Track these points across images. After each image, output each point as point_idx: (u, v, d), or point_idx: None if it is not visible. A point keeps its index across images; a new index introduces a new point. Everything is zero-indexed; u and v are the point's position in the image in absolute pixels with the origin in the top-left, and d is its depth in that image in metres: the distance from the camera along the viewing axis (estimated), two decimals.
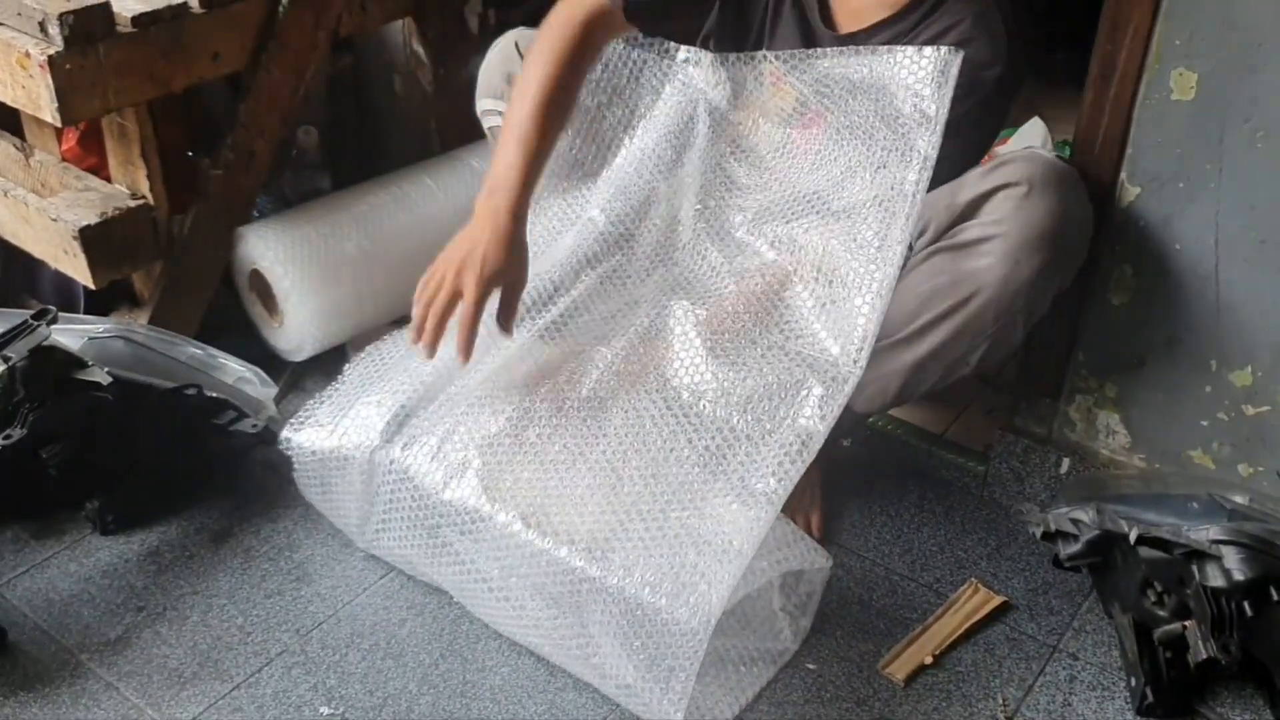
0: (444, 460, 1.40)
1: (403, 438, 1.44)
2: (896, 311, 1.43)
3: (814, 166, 1.53)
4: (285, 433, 1.53)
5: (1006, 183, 1.38)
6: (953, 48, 1.39)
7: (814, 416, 1.36)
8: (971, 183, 1.41)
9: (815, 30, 1.50)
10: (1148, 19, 1.31)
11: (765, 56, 1.53)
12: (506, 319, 1.42)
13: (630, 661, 1.27)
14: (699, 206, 1.60)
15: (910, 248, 1.42)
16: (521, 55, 1.65)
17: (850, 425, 1.63)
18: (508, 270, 1.40)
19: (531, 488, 1.37)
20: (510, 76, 1.64)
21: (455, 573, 1.42)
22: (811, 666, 1.42)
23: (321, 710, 1.36)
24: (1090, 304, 1.49)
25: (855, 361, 1.39)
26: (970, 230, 1.39)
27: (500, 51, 1.69)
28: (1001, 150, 2.46)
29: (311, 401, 1.54)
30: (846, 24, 1.50)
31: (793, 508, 1.60)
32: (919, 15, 1.45)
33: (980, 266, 1.38)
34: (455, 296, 1.39)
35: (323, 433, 1.50)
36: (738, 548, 1.26)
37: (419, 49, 2.04)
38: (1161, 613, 1.36)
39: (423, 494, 1.40)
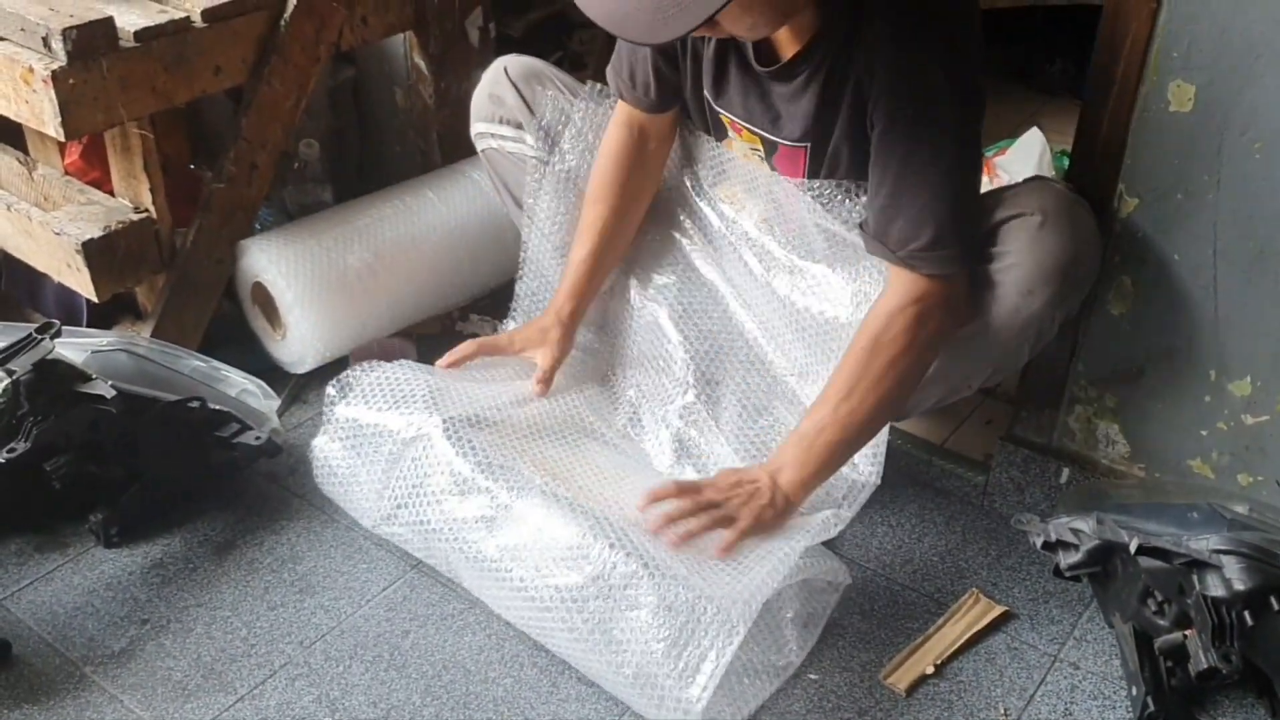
0: (486, 444, 1.50)
1: (449, 420, 1.52)
2: None
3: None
4: (331, 398, 1.61)
5: (1020, 213, 1.38)
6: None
7: (832, 521, 1.46)
8: (985, 209, 1.41)
9: (752, 69, 1.44)
10: (1145, 31, 1.32)
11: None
12: (542, 387, 1.66)
13: (656, 646, 1.28)
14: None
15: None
16: (510, 80, 1.70)
17: None
18: (540, 345, 1.67)
19: (572, 475, 1.50)
20: (497, 98, 1.72)
21: (473, 553, 1.45)
22: (814, 676, 1.43)
23: None
24: (1090, 314, 1.50)
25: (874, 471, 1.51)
26: (983, 257, 1.39)
27: (490, 75, 1.74)
28: (1001, 160, 2.47)
29: (349, 375, 1.62)
30: (771, 61, 1.43)
31: None
32: (833, 49, 1.35)
33: (991, 295, 1.39)
34: (482, 351, 1.68)
35: (364, 408, 1.57)
36: (782, 552, 1.33)
37: (420, 62, 2.05)
38: (1162, 622, 1.36)
39: (457, 469, 1.47)
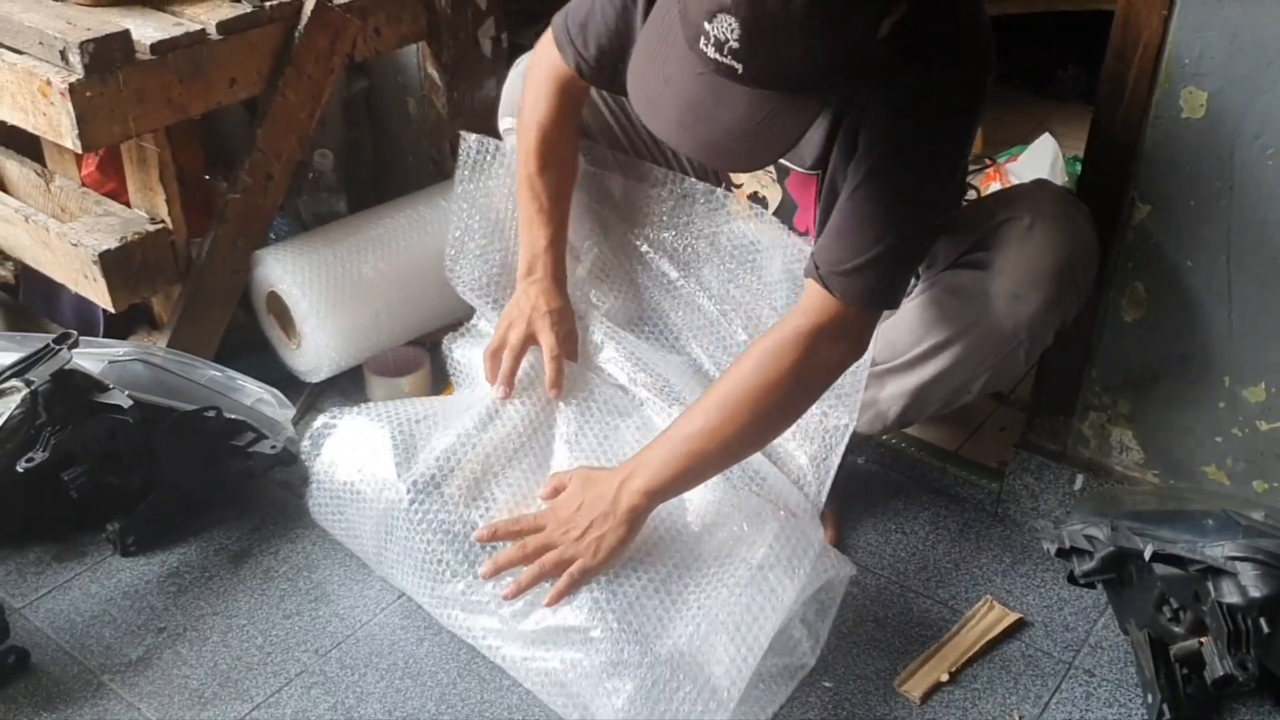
0: (452, 507, 1.44)
1: (426, 482, 1.45)
2: (899, 336, 1.44)
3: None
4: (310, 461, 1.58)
5: (1009, 216, 1.38)
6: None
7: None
8: (979, 213, 1.42)
9: None
10: (1157, 38, 1.32)
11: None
12: (573, 352, 1.58)
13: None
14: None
15: (916, 276, 1.43)
16: None
17: (854, 445, 1.64)
18: (563, 320, 1.55)
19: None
20: None
21: (461, 627, 1.44)
22: (828, 684, 1.43)
23: None
24: (1103, 321, 1.50)
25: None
26: (974, 262, 1.39)
27: (521, 69, 1.70)
28: (1013, 166, 2.47)
29: (322, 424, 1.58)
30: None
31: None
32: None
33: (981, 301, 1.39)
34: (529, 340, 1.54)
35: (343, 465, 1.54)
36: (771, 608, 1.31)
37: (433, 73, 2.06)
38: (1178, 629, 1.36)
39: (432, 549, 1.42)
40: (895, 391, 1.50)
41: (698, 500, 1.43)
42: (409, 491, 1.43)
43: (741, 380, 1.33)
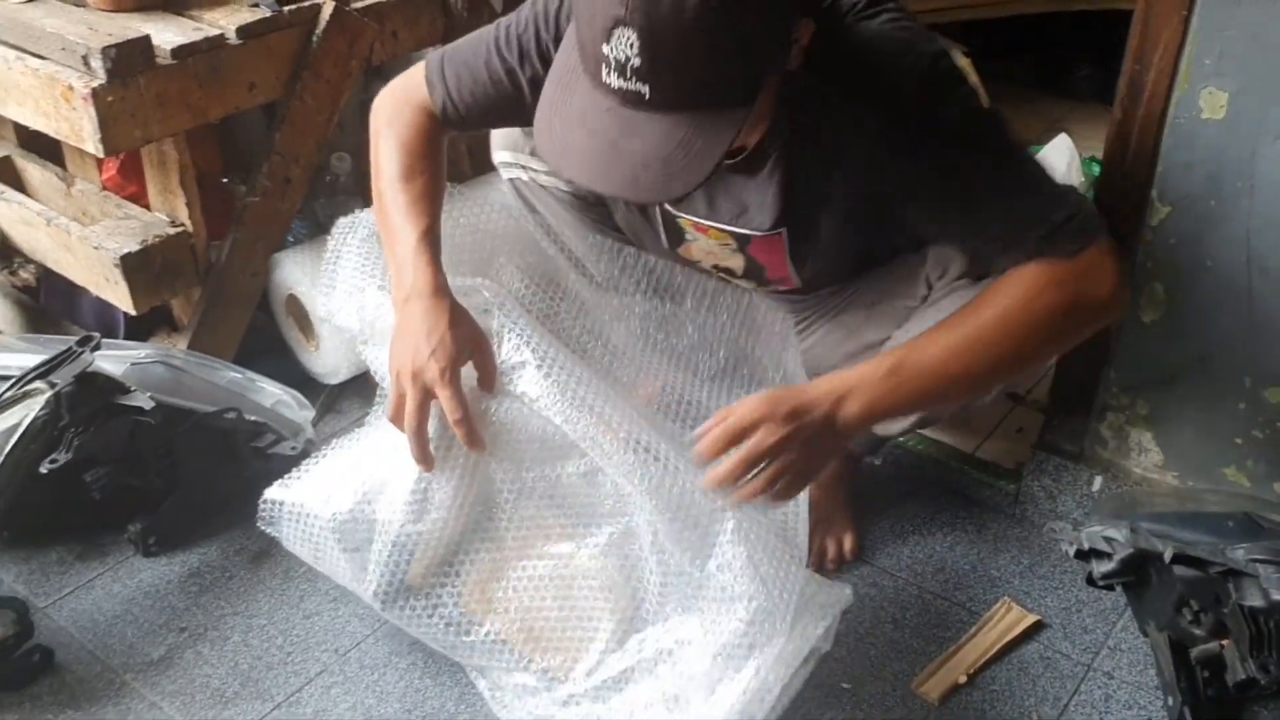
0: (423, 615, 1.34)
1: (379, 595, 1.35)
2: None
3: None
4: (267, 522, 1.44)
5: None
6: None
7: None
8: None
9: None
10: (1177, 38, 1.32)
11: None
12: (489, 384, 1.31)
13: None
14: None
15: (929, 285, 1.42)
16: None
17: (872, 446, 1.64)
18: (462, 345, 1.27)
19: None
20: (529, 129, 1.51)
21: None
22: (846, 686, 1.43)
23: None
24: (1122, 321, 1.50)
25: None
26: (981, 274, 1.37)
27: None
28: None
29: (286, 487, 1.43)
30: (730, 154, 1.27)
31: (825, 529, 1.61)
32: (791, 131, 1.27)
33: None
34: (428, 399, 1.27)
35: (306, 554, 1.43)
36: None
37: None
38: (1198, 632, 1.35)
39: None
40: None
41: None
42: (378, 601, 1.35)
43: (1005, 307, 1.19)
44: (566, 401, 1.27)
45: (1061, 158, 2.40)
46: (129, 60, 1.56)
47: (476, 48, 1.36)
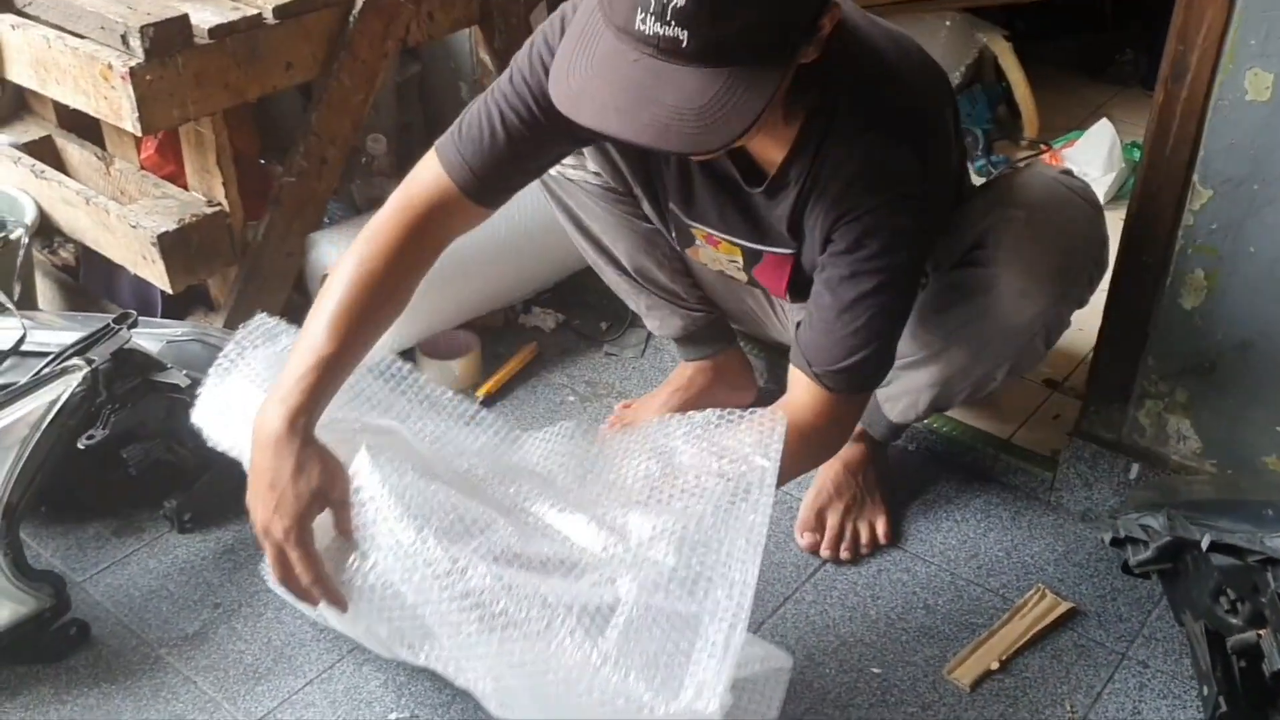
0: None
1: None
2: (918, 331, 1.44)
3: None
4: None
5: (1004, 215, 1.36)
6: (779, 414, 1.24)
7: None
8: (976, 210, 1.39)
9: (726, 182, 1.34)
10: (1221, 19, 1.29)
11: None
12: (346, 534, 1.19)
13: None
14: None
15: (925, 274, 1.40)
16: None
17: (891, 432, 1.65)
18: (308, 500, 1.16)
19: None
20: None
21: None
22: (877, 671, 1.42)
23: (391, 707, 1.38)
24: (1161, 307, 1.47)
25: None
26: (976, 260, 1.37)
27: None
28: (1069, 152, 2.43)
29: None
30: (748, 170, 1.31)
31: (856, 513, 1.61)
32: (809, 156, 1.24)
33: (989, 299, 1.38)
34: (283, 553, 1.18)
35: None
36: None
37: (485, 57, 2.06)
38: (1235, 621, 1.33)
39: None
40: (922, 383, 1.50)
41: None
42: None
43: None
44: (433, 543, 1.13)
45: (1103, 143, 2.38)
46: (167, 39, 1.57)
47: (481, 108, 1.27)
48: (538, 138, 1.25)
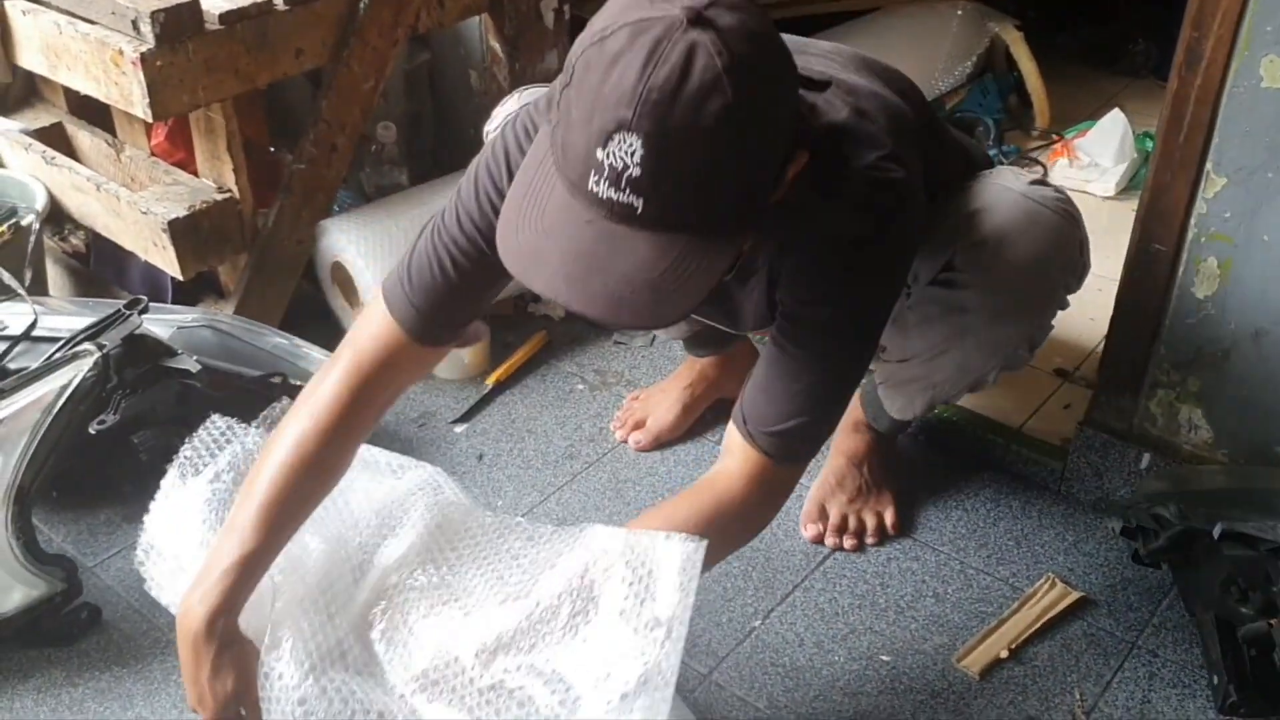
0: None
1: None
2: (905, 341, 1.44)
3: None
4: None
5: (970, 239, 1.33)
6: (696, 540, 1.09)
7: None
8: (947, 230, 1.35)
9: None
10: (1238, 5, 1.28)
11: None
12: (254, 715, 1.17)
13: None
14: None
15: (908, 286, 1.38)
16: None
17: (893, 428, 1.64)
18: (226, 700, 1.15)
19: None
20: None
21: None
22: (886, 659, 1.42)
23: None
24: (1173, 296, 1.47)
25: None
26: (950, 282, 1.36)
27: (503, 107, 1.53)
28: (1081, 143, 2.43)
29: None
30: None
31: (864, 503, 1.61)
32: (774, 243, 1.20)
33: (967, 317, 1.37)
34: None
35: None
36: None
37: (495, 44, 2.06)
38: (1246, 610, 1.33)
39: None
40: (915, 387, 1.50)
41: None
42: None
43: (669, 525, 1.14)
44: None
45: (1115, 133, 2.37)
46: (177, 25, 1.57)
47: (430, 251, 1.21)
48: (489, 274, 1.19)
